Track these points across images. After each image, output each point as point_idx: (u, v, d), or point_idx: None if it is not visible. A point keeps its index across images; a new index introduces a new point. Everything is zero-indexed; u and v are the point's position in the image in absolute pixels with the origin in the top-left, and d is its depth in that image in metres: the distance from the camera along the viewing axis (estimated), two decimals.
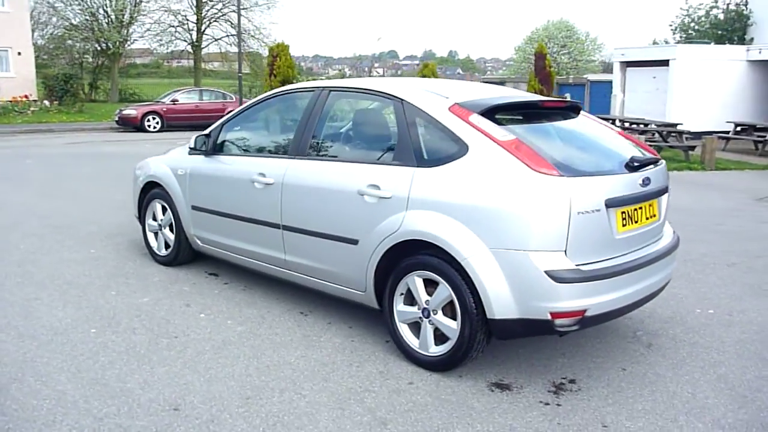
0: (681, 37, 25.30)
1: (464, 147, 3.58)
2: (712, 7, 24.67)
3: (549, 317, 3.34)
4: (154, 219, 5.72)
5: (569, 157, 3.68)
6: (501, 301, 3.38)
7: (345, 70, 58.29)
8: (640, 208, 3.71)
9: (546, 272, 3.29)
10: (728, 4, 24.48)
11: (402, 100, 3.96)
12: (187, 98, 23.15)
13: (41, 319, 4.39)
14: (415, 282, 3.73)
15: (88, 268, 5.53)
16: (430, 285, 3.70)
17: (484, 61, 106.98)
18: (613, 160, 3.78)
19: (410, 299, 3.82)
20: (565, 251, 3.34)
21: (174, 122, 22.00)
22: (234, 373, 3.65)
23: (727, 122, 19.27)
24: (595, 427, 3.17)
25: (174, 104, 22.55)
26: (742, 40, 23.43)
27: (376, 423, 3.17)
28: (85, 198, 8.83)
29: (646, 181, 3.71)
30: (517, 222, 3.33)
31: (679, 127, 17.07)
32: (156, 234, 5.74)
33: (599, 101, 25.28)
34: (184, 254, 5.52)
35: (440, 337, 3.70)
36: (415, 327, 3.82)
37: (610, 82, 24.19)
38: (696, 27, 24.62)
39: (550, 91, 21.26)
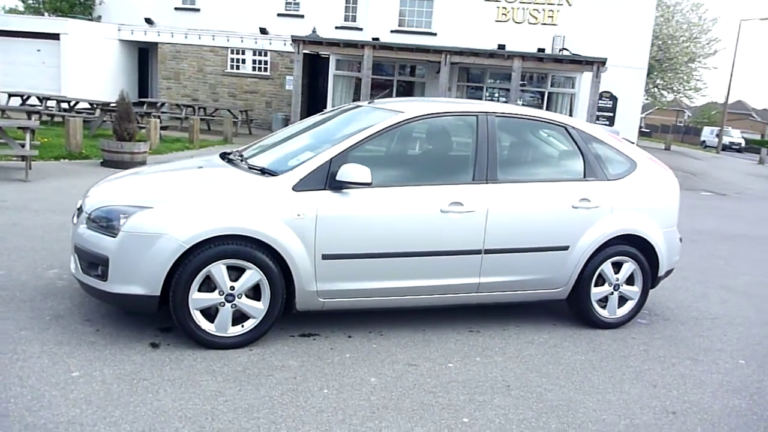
0: (28, 6, 23.78)
1: (633, 163, 5.05)
2: None
3: (674, 267, 5.38)
4: (206, 290, 3.94)
5: None
6: (665, 262, 5.18)
7: None
8: None
9: (679, 238, 5.31)
10: None
11: (573, 127, 4.92)
12: None
13: None
14: (610, 267, 4.97)
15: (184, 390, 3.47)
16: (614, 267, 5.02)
17: None
18: None
19: (597, 282, 5.00)
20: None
21: None
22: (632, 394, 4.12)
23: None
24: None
25: None
26: (89, 17, 24.22)
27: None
28: None
29: None
30: (673, 209, 5.20)
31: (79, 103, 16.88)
32: (211, 310, 3.98)
33: None
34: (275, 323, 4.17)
35: (621, 301, 5.10)
36: (601, 302, 5.04)
37: None
38: None
39: None
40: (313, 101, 22.95)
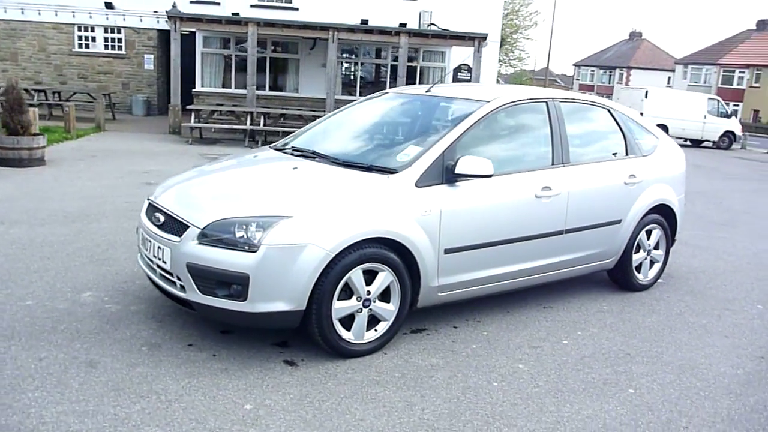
0: None
1: (657, 139, 5.57)
2: None
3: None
4: (344, 298, 3.76)
5: None
6: (679, 224, 5.81)
7: None
8: None
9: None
10: None
11: (614, 108, 5.31)
12: None
13: None
14: (644, 235, 5.47)
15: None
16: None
17: None
18: None
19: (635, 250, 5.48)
20: None
21: None
22: None
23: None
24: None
25: None
26: None
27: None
28: None
29: None
30: (683, 178, 5.82)
31: None
32: (347, 318, 3.81)
33: None
34: None
35: (650, 265, 5.64)
36: (637, 267, 5.54)
37: None
38: None
39: None
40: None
